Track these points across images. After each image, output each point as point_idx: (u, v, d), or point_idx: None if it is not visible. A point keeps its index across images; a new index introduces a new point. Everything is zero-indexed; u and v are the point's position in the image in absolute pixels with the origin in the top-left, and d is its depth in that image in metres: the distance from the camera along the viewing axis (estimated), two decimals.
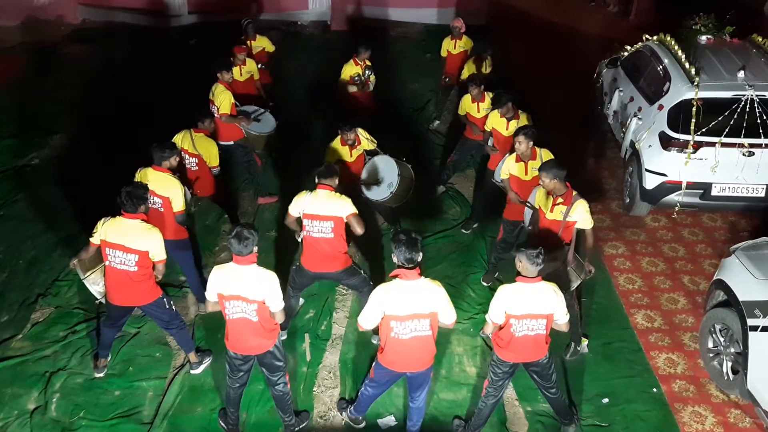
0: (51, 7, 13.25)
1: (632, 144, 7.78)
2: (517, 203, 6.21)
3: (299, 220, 5.58)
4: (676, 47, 7.95)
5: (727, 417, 5.45)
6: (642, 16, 13.42)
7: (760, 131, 6.96)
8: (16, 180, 8.26)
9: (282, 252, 7.13)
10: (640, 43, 8.91)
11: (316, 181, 5.55)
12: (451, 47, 9.24)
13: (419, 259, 4.49)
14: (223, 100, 7.27)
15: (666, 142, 7.21)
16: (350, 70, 8.33)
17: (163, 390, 5.55)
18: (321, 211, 5.45)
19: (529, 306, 4.58)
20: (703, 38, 8.23)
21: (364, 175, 6.80)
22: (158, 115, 9.13)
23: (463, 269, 6.97)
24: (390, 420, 5.36)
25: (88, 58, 11.74)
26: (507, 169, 6.31)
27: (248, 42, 8.95)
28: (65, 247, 6.99)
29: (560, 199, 5.46)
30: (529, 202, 5.90)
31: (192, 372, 5.69)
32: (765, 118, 6.97)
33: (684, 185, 7.15)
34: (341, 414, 5.37)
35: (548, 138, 7.19)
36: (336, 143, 6.75)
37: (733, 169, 7.04)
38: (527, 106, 7.51)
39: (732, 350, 5.51)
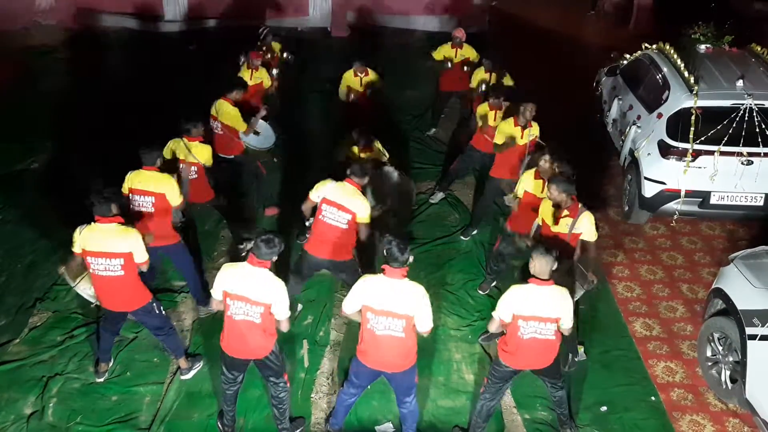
0: (51, 12, 13.27)
1: (631, 152, 7.79)
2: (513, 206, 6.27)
3: (314, 207, 5.72)
4: (675, 56, 7.98)
5: (725, 426, 5.44)
6: (641, 25, 13.49)
7: (759, 140, 6.98)
8: (15, 184, 8.25)
9: (282, 256, 7.10)
10: (639, 52, 8.94)
11: (348, 173, 5.72)
12: (451, 56, 9.27)
13: (403, 259, 4.51)
14: (234, 117, 7.13)
15: (665, 151, 7.22)
16: (348, 80, 8.52)
17: (161, 395, 5.53)
18: (344, 202, 5.61)
19: (538, 308, 4.59)
20: (702, 47, 8.25)
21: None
22: (157, 120, 9.13)
23: (461, 276, 6.97)
24: (388, 427, 5.35)
25: (88, 64, 11.75)
26: (522, 186, 6.21)
27: (264, 49, 9.00)
28: (64, 251, 6.94)
29: (566, 212, 5.51)
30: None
31: (182, 377, 5.66)
32: (763, 127, 6.99)
33: (683, 193, 7.16)
34: (324, 426, 5.33)
35: (548, 145, 7.23)
36: (348, 142, 7.05)
37: (731, 178, 7.05)
38: None
39: (730, 359, 5.51)
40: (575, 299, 5.44)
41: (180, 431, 5.26)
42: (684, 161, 7.09)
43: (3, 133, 9.31)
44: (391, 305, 4.51)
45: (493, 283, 6.74)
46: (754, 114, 7.01)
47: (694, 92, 7.23)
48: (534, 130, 6.95)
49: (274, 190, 7.73)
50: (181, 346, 5.72)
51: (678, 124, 7.22)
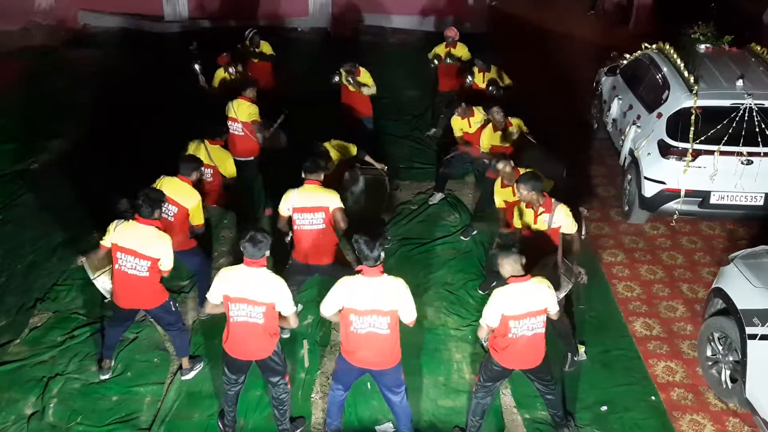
0: (52, 11, 13.30)
1: (631, 152, 7.80)
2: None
3: (289, 220, 5.69)
4: (675, 56, 7.98)
5: (725, 425, 5.44)
6: (641, 25, 13.49)
7: (759, 140, 6.98)
8: (15, 184, 8.25)
9: (281, 257, 7.11)
10: (639, 52, 8.95)
11: (303, 176, 5.68)
12: (441, 54, 9.37)
13: (374, 255, 4.51)
14: (252, 111, 7.31)
15: (665, 150, 7.22)
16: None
17: (161, 395, 5.53)
18: (311, 203, 5.58)
19: (527, 304, 4.59)
20: (702, 47, 8.26)
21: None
22: (158, 120, 9.15)
23: (461, 276, 6.97)
24: (388, 427, 5.35)
25: (89, 63, 11.77)
26: (498, 196, 6.36)
27: (254, 50, 9.18)
28: (64, 251, 6.98)
29: (541, 209, 5.53)
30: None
31: (182, 378, 5.67)
32: (763, 126, 6.99)
33: (683, 193, 7.16)
34: (323, 427, 5.32)
35: (547, 146, 7.25)
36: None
37: (731, 178, 7.05)
38: (526, 113, 7.54)
39: (730, 359, 5.51)
40: (564, 294, 5.45)
41: (180, 431, 5.27)
42: (684, 161, 7.09)
43: (3, 133, 9.32)
44: (375, 304, 4.52)
45: (493, 283, 6.73)
46: (754, 114, 7.01)
47: (694, 92, 7.23)
48: (515, 128, 6.98)
49: (274, 190, 7.75)
50: (188, 346, 5.73)
51: (678, 124, 7.22)
